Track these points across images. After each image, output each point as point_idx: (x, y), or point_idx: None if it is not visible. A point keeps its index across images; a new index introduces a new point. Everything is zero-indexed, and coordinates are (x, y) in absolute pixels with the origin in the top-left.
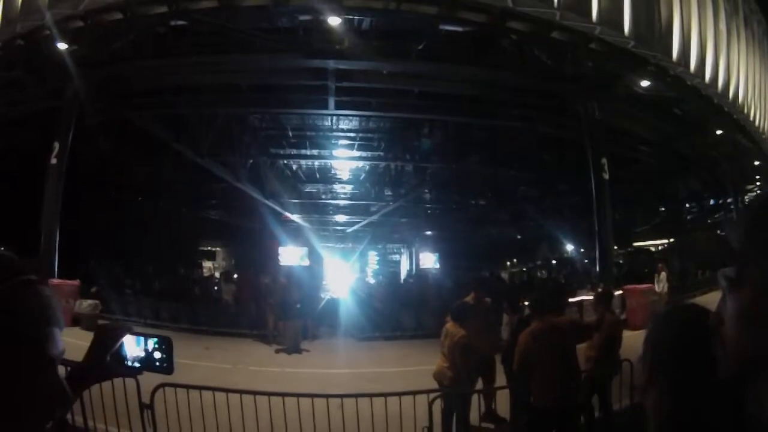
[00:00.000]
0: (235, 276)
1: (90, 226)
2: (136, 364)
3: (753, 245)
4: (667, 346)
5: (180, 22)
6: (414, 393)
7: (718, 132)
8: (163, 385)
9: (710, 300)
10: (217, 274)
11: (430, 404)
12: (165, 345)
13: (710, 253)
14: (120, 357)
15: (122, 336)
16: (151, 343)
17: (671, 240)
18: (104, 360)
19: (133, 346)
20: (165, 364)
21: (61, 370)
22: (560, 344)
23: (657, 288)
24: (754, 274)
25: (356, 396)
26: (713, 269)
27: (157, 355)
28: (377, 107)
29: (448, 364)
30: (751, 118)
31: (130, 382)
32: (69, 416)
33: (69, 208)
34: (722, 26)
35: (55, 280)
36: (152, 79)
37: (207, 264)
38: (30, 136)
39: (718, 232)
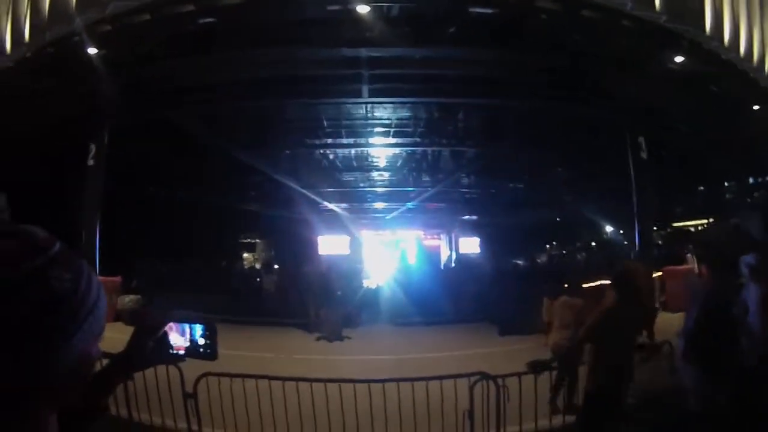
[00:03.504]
0: (276, 267)
1: (130, 223)
2: (180, 351)
3: None
4: (700, 332)
5: (208, 20)
6: (455, 377)
7: (755, 107)
8: (206, 375)
9: None
10: (257, 266)
11: (471, 388)
12: (209, 331)
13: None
14: (163, 344)
15: (165, 323)
16: (195, 330)
17: (710, 220)
18: (146, 347)
19: (177, 333)
20: (209, 351)
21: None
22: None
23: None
24: None
25: (398, 381)
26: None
27: (201, 341)
28: (411, 93)
29: (568, 336)
30: None
31: (173, 371)
32: (114, 408)
33: (108, 207)
34: None
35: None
36: (185, 77)
37: (247, 256)
38: (63, 143)
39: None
